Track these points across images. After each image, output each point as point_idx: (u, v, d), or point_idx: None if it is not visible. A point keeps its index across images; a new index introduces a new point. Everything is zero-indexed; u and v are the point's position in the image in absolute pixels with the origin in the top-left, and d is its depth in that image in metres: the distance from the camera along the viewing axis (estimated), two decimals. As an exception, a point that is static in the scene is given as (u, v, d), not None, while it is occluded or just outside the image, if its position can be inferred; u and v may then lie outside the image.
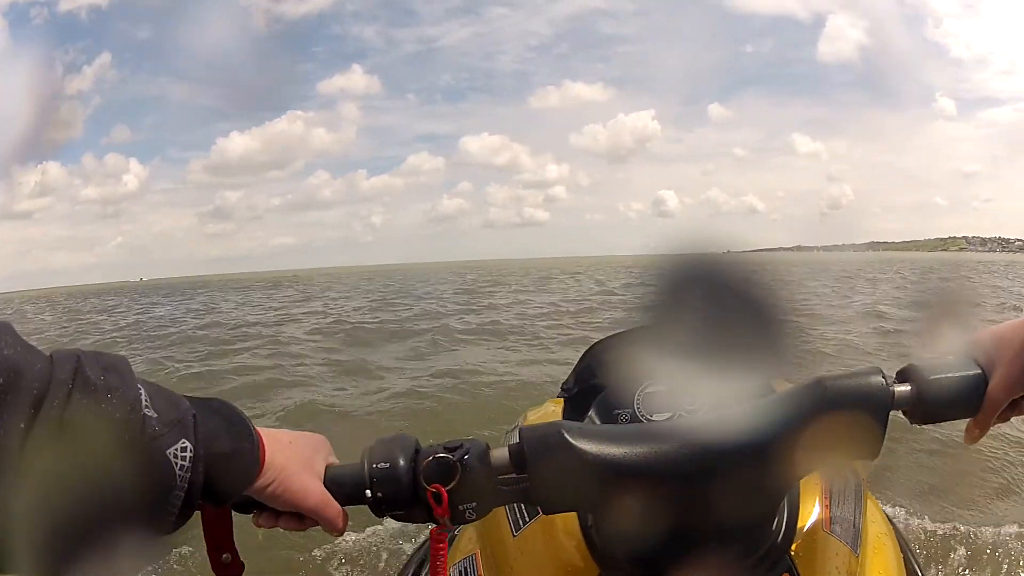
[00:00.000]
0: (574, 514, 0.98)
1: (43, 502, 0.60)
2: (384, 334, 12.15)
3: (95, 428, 0.62)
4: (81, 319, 22.46)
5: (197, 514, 0.76)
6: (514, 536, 1.06)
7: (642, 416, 0.99)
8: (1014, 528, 3.39)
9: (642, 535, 0.83)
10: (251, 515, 0.85)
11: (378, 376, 8.25)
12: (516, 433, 0.89)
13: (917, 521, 3.52)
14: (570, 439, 0.80)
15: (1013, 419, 0.93)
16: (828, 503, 1.02)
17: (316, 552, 3.47)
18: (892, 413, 0.84)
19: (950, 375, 0.87)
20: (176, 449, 0.68)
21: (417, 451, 0.84)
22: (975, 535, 3.35)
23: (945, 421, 0.89)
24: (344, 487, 0.84)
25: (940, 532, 3.40)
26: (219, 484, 0.73)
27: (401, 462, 0.82)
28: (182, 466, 0.68)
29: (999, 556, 3.18)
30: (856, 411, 0.80)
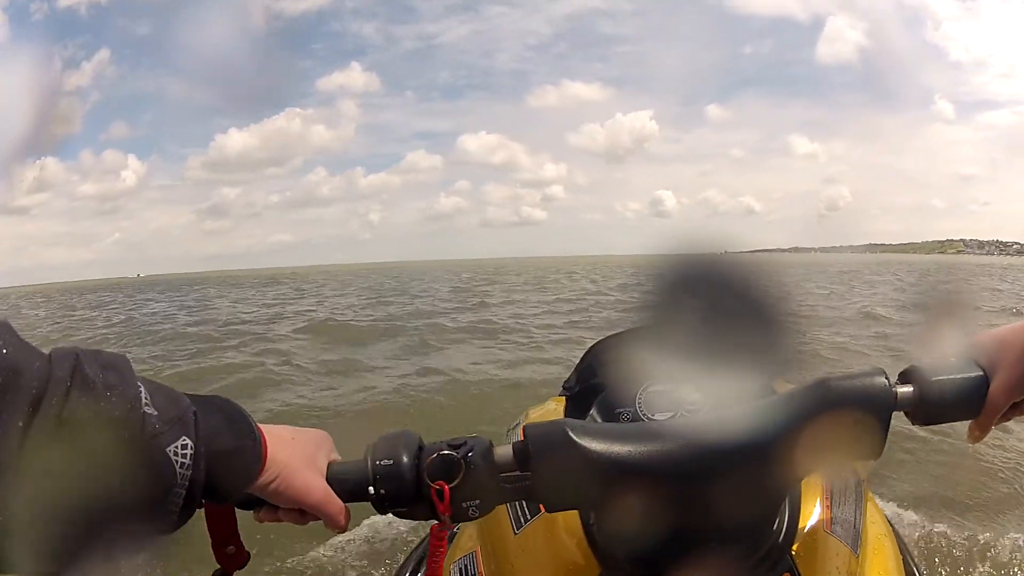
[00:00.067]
0: (575, 513, 0.98)
1: (43, 501, 0.59)
2: (376, 332, 12.11)
3: (94, 426, 0.62)
4: (73, 315, 22.40)
5: (200, 510, 0.76)
6: (515, 534, 1.05)
7: (643, 415, 0.99)
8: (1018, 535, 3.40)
9: (644, 534, 0.83)
10: (250, 511, 0.85)
11: (365, 375, 8.24)
12: (518, 431, 0.88)
13: (915, 519, 3.53)
14: (574, 437, 0.80)
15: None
16: (829, 503, 1.02)
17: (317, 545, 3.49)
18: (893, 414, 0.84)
19: (952, 377, 0.87)
20: (176, 447, 0.67)
21: (420, 448, 0.83)
22: (977, 539, 3.35)
23: (946, 422, 0.89)
24: (347, 484, 0.83)
25: (938, 532, 3.40)
26: (221, 482, 0.73)
27: (405, 459, 0.81)
28: (183, 464, 0.68)
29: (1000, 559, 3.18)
30: (859, 411, 0.80)
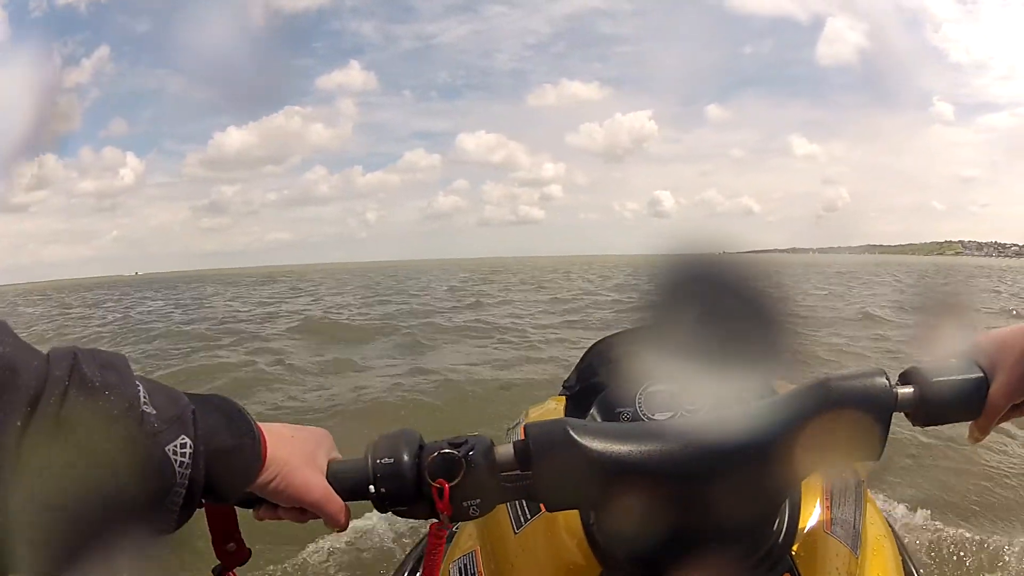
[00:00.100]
0: (576, 512, 0.98)
1: (42, 501, 0.59)
2: (371, 331, 12.07)
3: (92, 425, 0.62)
4: (69, 313, 22.35)
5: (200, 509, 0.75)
6: (515, 533, 1.06)
7: (643, 415, 0.99)
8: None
9: (645, 534, 0.83)
10: (250, 509, 0.85)
11: (355, 375, 8.20)
12: (518, 430, 0.88)
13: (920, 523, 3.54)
14: (575, 436, 0.80)
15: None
16: (829, 504, 1.03)
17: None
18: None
19: (952, 378, 0.87)
20: (176, 446, 0.67)
21: (421, 447, 0.83)
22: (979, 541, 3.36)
23: (947, 423, 0.89)
24: (347, 482, 0.83)
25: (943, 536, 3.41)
26: (220, 481, 0.73)
27: (405, 457, 0.81)
28: (182, 463, 0.67)
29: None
30: (859, 412, 0.80)
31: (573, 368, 1.39)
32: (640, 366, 0.92)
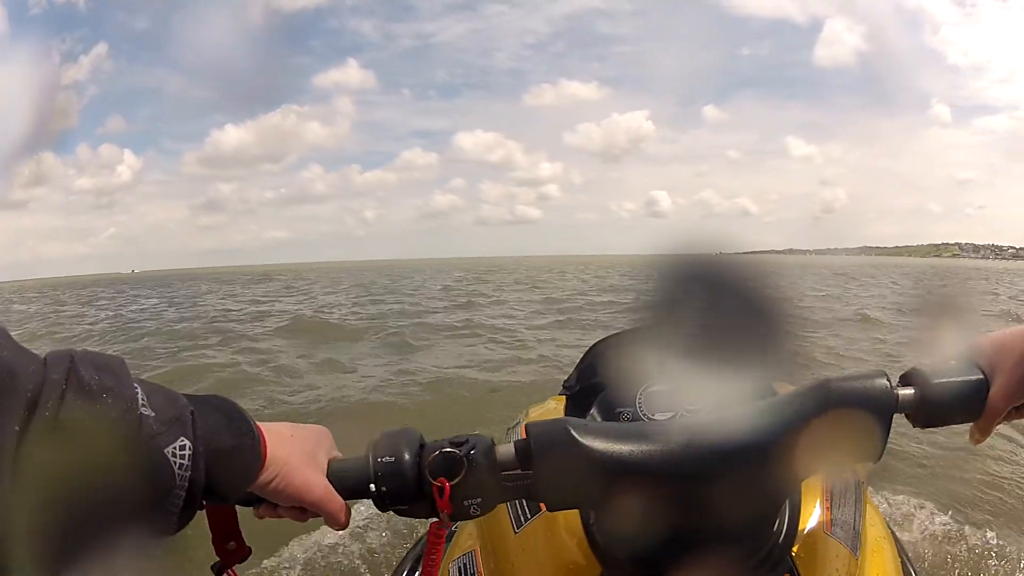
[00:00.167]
0: (576, 512, 0.98)
1: (41, 505, 0.59)
2: (362, 331, 12.04)
3: (91, 428, 0.62)
4: (63, 311, 22.26)
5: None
6: (515, 533, 1.05)
7: (644, 415, 0.99)
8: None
9: (645, 534, 0.83)
10: (251, 507, 0.85)
11: (343, 375, 8.16)
12: (518, 429, 0.88)
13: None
14: (576, 436, 0.79)
15: None
16: (829, 505, 1.03)
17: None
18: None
19: (953, 379, 0.88)
20: (175, 448, 0.67)
21: (422, 446, 0.83)
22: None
23: (947, 425, 0.89)
24: (348, 481, 0.83)
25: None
26: (220, 482, 0.72)
27: (406, 456, 0.81)
28: (181, 465, 0.67)
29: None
30: (860, 413, 0.80)
31: (573, 368, 1.39)
32: (640, 366, 0.92)
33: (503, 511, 1.08)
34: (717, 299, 0.85)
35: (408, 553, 1.50)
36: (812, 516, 1.00)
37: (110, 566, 0.62)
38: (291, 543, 3.41)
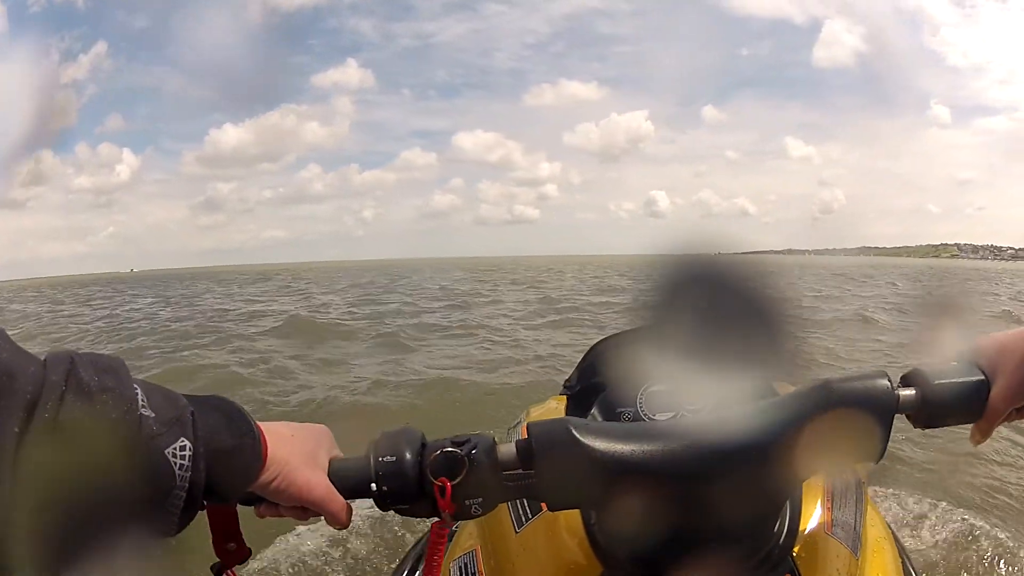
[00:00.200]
0: (577, 512, 0.98)
1: (41, 506, 0.59)
2: (356, 332, 11.99)
3: (90, 430, 0.62)
4: (60, 311, 22.21)
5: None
6: (516, 532, 1.06)
7: (644, 415, 0.99)
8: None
9: (646, 534, 0.83)
10: (251, 506, 0.85)
11: (334, 375, 8.08)
12: (519, 429, 0.88)
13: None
14: (578, 435, 0.79)
15: None
16: (830, 505, 1.03)
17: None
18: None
19: (954, 380, 0.88)
20: (175, 448, 0.67)
21: (423, 445, 0.83)
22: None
23: (948, 426, 0.89)
24: (349, 481, 0.83)
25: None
26: (221, 482, 0.72)
27: (408, 456, 0.81)
28: (182, 465, 0.67)
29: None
30: (861, 413, 0.80)
31: (574, 368, 1.39)
32: (641, 366, 0.92)
33: (504, 511, 1.08)
34: (717, 299, 0.85)
35: (409, 552, 1.50)
36: (813, 516, 1.00)
37: (110, 567, 0.62)
38: (290, 539, 3.41)
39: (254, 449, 0.75)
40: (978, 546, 3.26)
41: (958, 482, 4.19)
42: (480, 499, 0.81)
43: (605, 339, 1.34)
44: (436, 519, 0.84)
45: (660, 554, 0.85)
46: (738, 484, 0.80)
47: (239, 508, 0.85)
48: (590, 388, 1.20)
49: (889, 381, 0.83)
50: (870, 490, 1.18)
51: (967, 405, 0.88)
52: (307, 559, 3.33)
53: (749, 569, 0.87)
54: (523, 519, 1.06)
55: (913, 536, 3.33)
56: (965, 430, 0.93)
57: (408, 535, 3.33)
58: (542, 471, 0.80)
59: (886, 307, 14.43)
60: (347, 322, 13.93)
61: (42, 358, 0.64)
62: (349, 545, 3.39)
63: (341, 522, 0.84)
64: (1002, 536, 3.33)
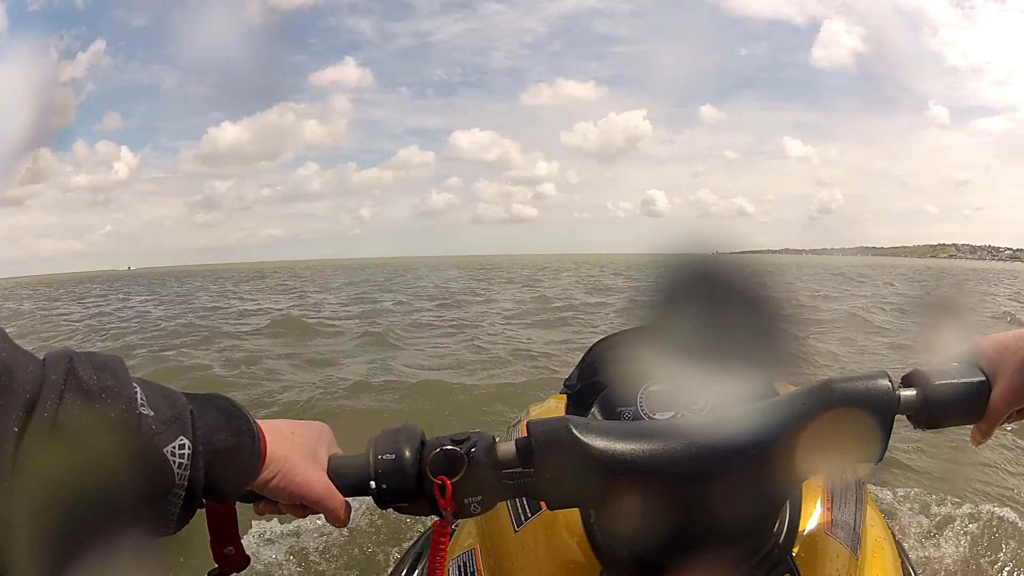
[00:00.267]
0: (576, 511, 0.98)
1: (40, 505, 0.59)
2: (343, 330, 11.97)
3: (89, 429, 0.61)
4: (56, 310, 22.17)
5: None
6: (515, 531, 1.05)
7: (645, 414, 0.98)
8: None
9: (646, 534, 0.83)
10: (251, 504, 0.84)
11: (320, 375, 7.99)
12: (519, 428, 0.88)
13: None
14: (578, 434, 0.79)
15: None
16: (830, 505, 1.03)
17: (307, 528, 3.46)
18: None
19: (955, 381, 0.88)
20: (174, 447, 0.67)
21: (423, 443, 0.83)
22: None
23: (949, 426, 0.89)
24: (348, 478, 0.83)
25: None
26: (220, 481, 0.72)
27: (407, 454, 0.81)
28: (181, 464, 0.67)
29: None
30: (861, 413, 0.80)
31: (575, 367, 1.39)
32: (641, 365, 0.91)
33: (503, 509, 1.08)
34: (717, 299, 0.85)
35: (409, 550, 1.49)
36: (812, 517, 1.00)
37: (110, 566, 0.62)
38: (289, 536, 3.41)
39: (253, 447, 0.75)
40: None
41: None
42: (479, 497, 0.81)
43: (605, 338, 1.34)
44: (437, 519, 0.84)
45: (659, 553, 0.85)
46: (738, 484, 0.80)
47: (239, 509, 0.85)
48: (590, 387, 1.20)
49: (890, 381, 0.82)
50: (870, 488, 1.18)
51: (968, 406, 0.88)
52: (307, 556, 3.33)
53: (749, 569, 0.87)
54: (522, 518, 1.06)
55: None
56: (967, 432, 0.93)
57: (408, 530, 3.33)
58: (542, 470, 0.80)
59: (883, 306, 14.42)
60: (338, 321, 13.83)
61: (41, 357, 0.64)
62: (349, 544, 3.39)
63: (340, 520, 0.84)
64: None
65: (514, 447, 0.82)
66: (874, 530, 1.08)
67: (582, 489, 0.81)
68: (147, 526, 0.66)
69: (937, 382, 0.86)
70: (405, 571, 1.36)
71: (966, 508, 3.61)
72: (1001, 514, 3.46)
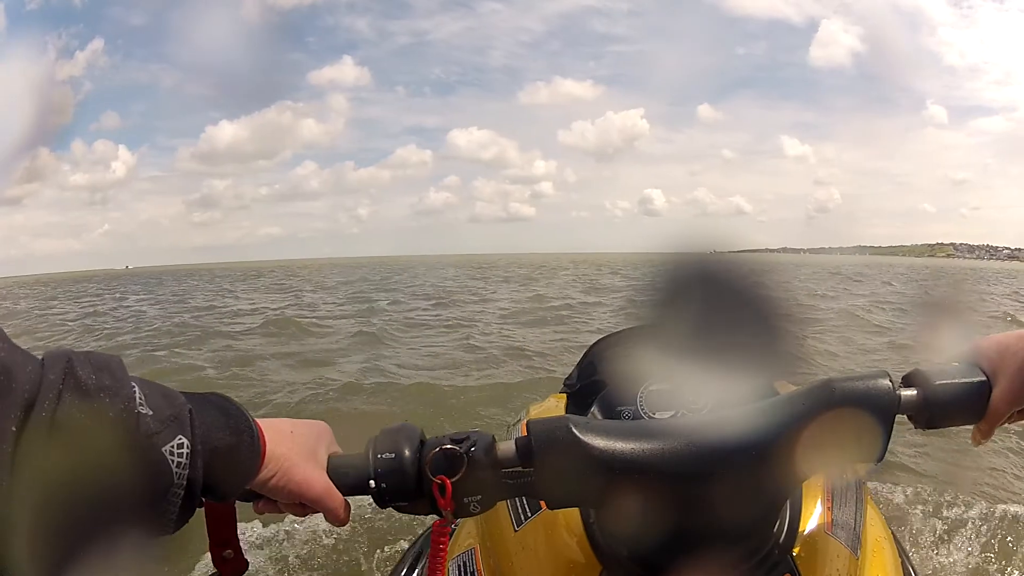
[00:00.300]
0: (576, 510, 0.98)
1: (39, 505, 0.59)
2: (336, 329, 11.96)
3: (88, 428, 0.61)
4: (52, 306, 22.16)
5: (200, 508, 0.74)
6: (515, 531, 1.05)
7: (644, 414, 0.98)
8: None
9: (646, 533, 0.83)
10: (250, 503, 0.84)
11: (311, 374, 7.99)
12: (519, 427, 0.88)
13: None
14: (577, 433, 0.79)
15: None
16: (830, 505, 1.03)
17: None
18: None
19: (955, 381, 0.88)
20: (173, 446, 0.66)
21: (422, 442, 0.83)
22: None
23: (949, 427, 0.89)
24: (348, 477, 0.83)
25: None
26: (219, 480, 0.72)
27: (407, 453, 0.81)
28: (180, 463, 0.67)
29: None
30: (862, 413, 0.80)
31: (574, 366, 1.39)
32: (641, 364, 0.92)
33: (503, 509, 1.08)
34: (717, 298, 0.85)
35: (409, 549, 1.49)
36: (813, 516, 0.99)
37: (109, 566, 0.62)
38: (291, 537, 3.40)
39: (252, 446, 0.75)
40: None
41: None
42: (479, 497, 0.81)
43: (605, 338, 1.34)
44: (438, 518, 0.84)
45: (659, 553, 0.85)
46: (738, 484, 0.80)
47: (238, 509, 0.85)
48: (590, 386, 1.20)
49: (890, 381, 0.82)
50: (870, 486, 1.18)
51: (969, 406, 0.88)
52: (305, 554, 3.33)
53: (749, 569, 0.87)
54: (522, 517, 1.06)
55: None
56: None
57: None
58: (542, 469, 0.80)
59: (883, 306, 14.43)
60: (330, 321, 13.82)
61: (40, 357, 0.63)
62: (348, 542, 3.39)
63: (340, 519, 0.83)
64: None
65: (514, 446, 0.82)
66: (874, 530, 1.08)
67: (582, 488, 0.81)
68: (146, 525, 0.66)
69: (938, 382, 0.86)
70: (405, 571, 1.36)
71: (975, 511, 3.62)
72: (1014, 512, 3.48)
